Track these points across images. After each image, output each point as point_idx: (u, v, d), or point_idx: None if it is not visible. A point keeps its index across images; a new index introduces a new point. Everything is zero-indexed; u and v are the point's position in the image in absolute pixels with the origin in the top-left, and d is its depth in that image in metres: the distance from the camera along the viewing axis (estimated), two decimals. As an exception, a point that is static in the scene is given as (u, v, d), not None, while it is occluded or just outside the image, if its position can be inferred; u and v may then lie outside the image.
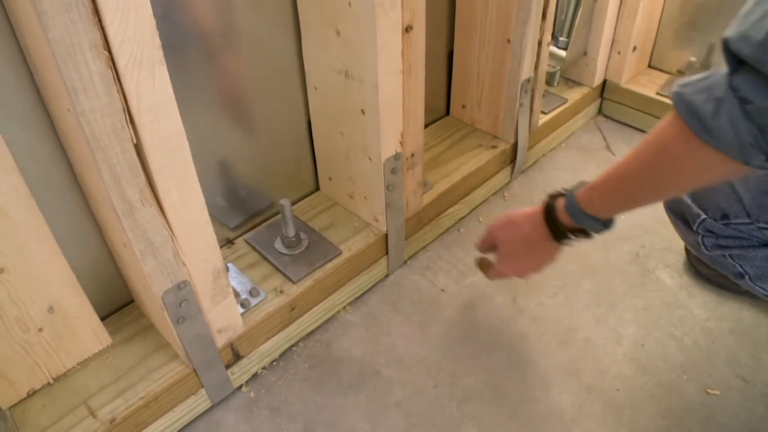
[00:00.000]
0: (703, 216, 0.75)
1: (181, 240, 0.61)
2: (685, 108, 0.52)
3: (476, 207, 1.10)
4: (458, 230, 1.06)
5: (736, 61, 0.47)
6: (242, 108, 0.83)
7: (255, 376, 0.81)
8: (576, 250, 1.00)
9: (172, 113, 0.54)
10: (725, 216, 0.73)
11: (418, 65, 0.78)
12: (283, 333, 0.82)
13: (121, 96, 0.50)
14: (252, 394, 0.79)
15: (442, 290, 0.94)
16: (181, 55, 0.71)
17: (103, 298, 0.77)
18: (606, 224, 0.69)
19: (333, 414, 0.77)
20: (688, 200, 0.78)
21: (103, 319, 0.78)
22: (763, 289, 0.76)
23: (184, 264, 0.63)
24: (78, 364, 0.73)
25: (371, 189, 0.87)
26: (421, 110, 0.84)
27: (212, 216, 0.86)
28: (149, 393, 0.69)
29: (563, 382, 0.81)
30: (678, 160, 0.55)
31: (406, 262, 0.99)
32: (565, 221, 0.70)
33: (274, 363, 0.83)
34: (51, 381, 0.71)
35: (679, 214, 0.82)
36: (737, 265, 0.76)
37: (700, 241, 0.78)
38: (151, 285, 0.61)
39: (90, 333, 0.73)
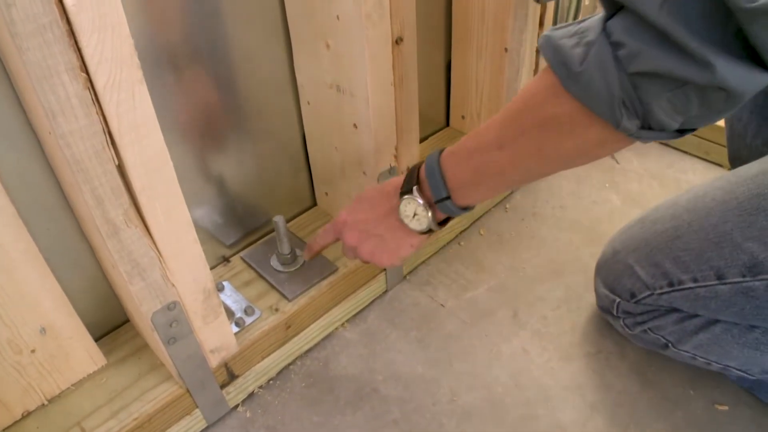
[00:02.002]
0: (618, 300, 0.78)
1: (168, 260, 0.61)
2: (552, 52, 0.46)
3: (477, 219, 1.09)
4: (458, 243, 1.04)
5: (612, 5, 0.43)
6: (236, 123, 0.82)
7: (251, 395, 0.80)
8: (580, 261, 0.98)
9: (153, 132, 0.54)
10: (633, 295, 0.76)
11: (410, 77, 0.78)
12: (279, 351, 0.81)
13: (101, 118, 0.50)
14: (248, 414, 0.78)
15: (442, 305, 0.93)
16: (173, 73, 0.71)
17: (98, 317, 0.77)
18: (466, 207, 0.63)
19: (330, 434, 0.76)
20: (606, 291, 0.80)
21: (99, 339, 0.78)
22: (688, 352, 0.76)
23: (173, 284, 0.62)
24: (72, 385, 0.73)
25: (367, 203, 0.86)
26: (415, 123, 0.83)
27: (208, 233, 0.86)
28: (143, 414, 0.68)
29: (566, 398, 0.79)
30: (543, 117, 0.50)
31: (405, 277, 0.98)
32: (438, 218, 0.64)
33: (271, 382, 0.82)
34: (45, 402, 0.71)
35: (604, 308, 0.83)
36: (658, 336, 0.77)
37: (622, 324, 0.80)
38: (139, 306, 0.61)
39: (84, 354, 0.72)
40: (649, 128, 0.46)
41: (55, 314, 0.67)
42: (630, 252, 0.76)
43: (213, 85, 0.77)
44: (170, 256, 0.61)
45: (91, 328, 0.76)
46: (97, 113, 0.50)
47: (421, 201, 0.62)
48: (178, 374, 0.69)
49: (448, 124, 1.20)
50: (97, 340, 0.77)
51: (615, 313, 0.80)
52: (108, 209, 0.54)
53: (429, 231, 0.65)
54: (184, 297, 0.64)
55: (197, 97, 0.75)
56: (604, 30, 0.44)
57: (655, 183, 1.14)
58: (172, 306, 0.63)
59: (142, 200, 0.56)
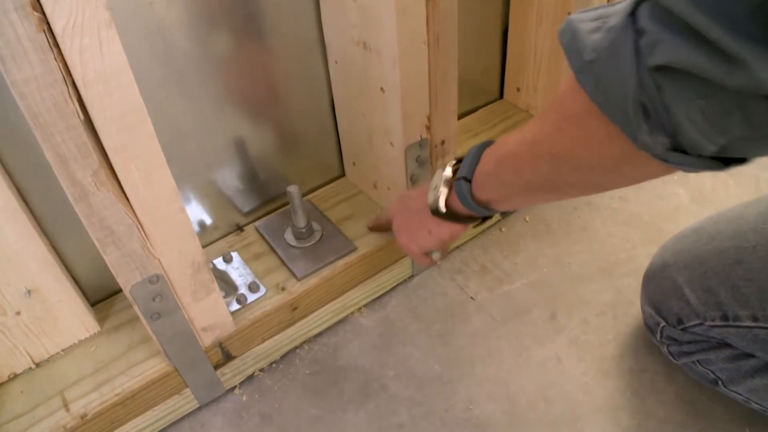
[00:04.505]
0: (663, 323, 0.67)
1: (149, 229, 0.54)
2: (569, 37, 0.37)
3: (524, 204, 0.97)
4: (500, 230, 0.94)
5: None
6: (262, 83, 0.75)
7: (251, 378, 0.74)
8: (635, 261, 0.86)
9: (127, 85, 0.47)
10: (680, 321, 0.65)
11: (448, 37, 0.67)
12: (283, 334, 0.74)
13: (60, 65, 0.43)
14: (244, 398, 0.73)
15: (472, 298, 0.83)
16: (197, 27, 0.65)
17: (96, 282, 0.73)
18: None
19: (327, 430, 0.69)
20: (651, 310, 0.69)
21: (95, 303, 0.74)
22: (740, 395, 0.64)
23: (155, 256, 0.56)
24: (62, 350, 0.69)
25: (394, 179, 0.77)
26: (452, 89, 0.73)
27: (224, 198, 0.80)
28: (126, 389, 0.64)
29: (597, 420, 0.68)
30: (561, 116, 0.41)
31: (445, 257, 0.88)
32: (455, 206, 0.57)
33: (274, 365, 0.76)
34: (33, 366, 0.67)
35: (650, 328, 0.71)
36: (708, 371, 0.65)
37: (667, 350, 0.69)
38: (116, 277, 0.55)
39: (74, 319, 0.68)
40: (681, 150, 0.35)
41: (41, 277, 0.63)
42: (681, 269, 0.65)
43: (237, 40, 0.69)
44: (151, 224, 0.54)
45: (89, 292, 0.73)
46: (55, 60, 0.43)
47: (446, 172, 0.56)
48: (164, 351, 0.63)
49: (501, 96, 1.08)
50: (95, 304, 0.74)
51: (658, 337, 0.68)
52: (73, 169, 0.47)
53: (437, 212, 0.57)
54: (169, 270, 0.58)
55: (221, 53, 0.68)
56: (633, 14, 0.33)
57: (730, 180, 0.98)
58: (155, 279, 0.57)
59: (116, 161, 0.49)
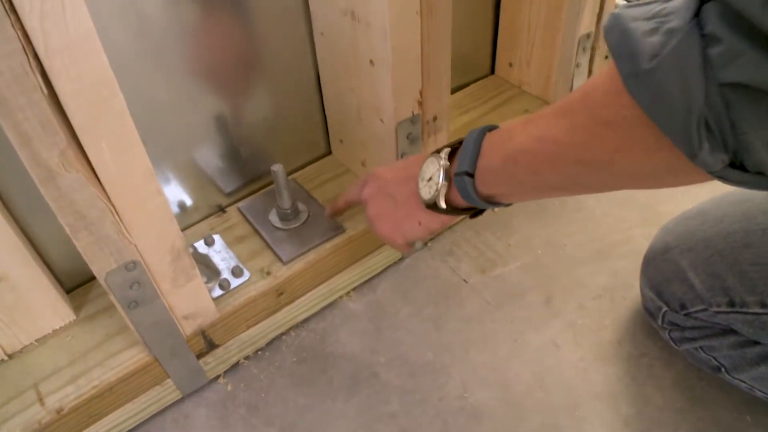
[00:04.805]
0: (665, 308, 0.65)
1: (124, 213, 0.50)
2: (618, 36, 0.34)
3: (517, 183, 0.94)
4: (492, 210, 0.91)
5: None
6: (244, 55, 0.70)
7: (235, 366, 0.71)
8: (632, 242, 0.84)
9: (94, 55, 0.42)
10: (683, 306, 0.62)
11: (442, 6, 0.63)
12: (269, 321, 0.71)
13: (20, 33, 0.39)
14: (229, 387, 0.69)
15: (465, 281, 0.81)
16: None
17: (71, 267, 0.69)
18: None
19: (316, 420, 0.66)
20: (652, 293, 0.66)
21: (70, 290, 0.70)
22: (744, 382, 0.62)
23: (131, 242, 0.52)
24: (36, 341, 0.65)
25: (385, 156, 0.74)
26: (446, 63, 0.69)
27: (205, 177, 0.76)
28: (103, 382, 0.60)
29: (596, 409, 0.66)
30: (596, 121, 0.37)
31: (426, 244, 0.86)
32: (456, 201, 0.52)
33: (259, 353, 0.73)
34: (5, 358, 0.64)
35: (650, 312, 0.69)
36: (711, 357, 0.63)
37: (668, 336, 0.67)
38: (89, 264, 0.51)
39: (48, 308, 0.64)
40: (741, 168, 0.32)
41: (10, 263, 0.59)
42: (684, 252, 0.62)
43: (217, 10, 0.64)
44: (126, 208, 0.50)
45: (64, 278, 0.69)
46: (12, 27, 0.38)
47: (443, 163, 0.51)
48: (143, 341, 0.60)
49: (493, 72, 1.04)
50: (70, 291, 0.70)
51: (660, 322, 0.66)
52: (39, 149, 0.43)
53: (434, 207, 0.52)
54: (147, 256, 0.54)
55: (199, 23, 0.64)
56: (697, 15, 0.30)
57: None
58: (131, 266, 0.53)
59: (85, 140, 0.45)
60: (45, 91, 0.41)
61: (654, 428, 0.65)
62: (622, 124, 0.35)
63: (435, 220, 0.56)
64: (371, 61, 0.65)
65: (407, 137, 0.70)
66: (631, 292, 0.78)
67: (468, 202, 0.51)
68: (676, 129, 0.32)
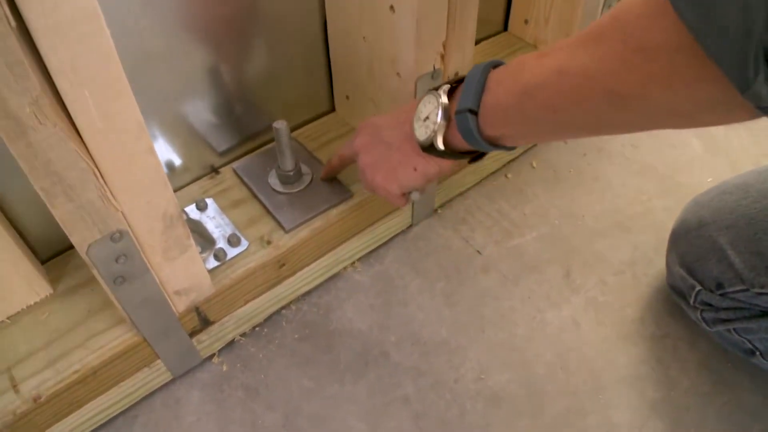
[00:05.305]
0: (698, 287, 0.60)
1: (110, 175, 0.43)
2: None
3: (529, 148, 0.88)
4: (505, 176, 0.85)
5: None
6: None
7: (231, 344, 0.65)
8: (652, 215, 0.79)
9: (74, -21, 0.34)
10: (720, 285, 0.58)
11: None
12: (268, 294, 0.64)
13: (-23, -59, 0.30)
14: (224, 368, 0.63)
15: (479, 252, 0.75)
16: None
17: (48, 234, 0.60)
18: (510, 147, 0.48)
19: (322, 405, 0.61)
20: (683, 272, 0.61)
21: (46, 261, 0.62)
22: None
23: (117, 208, 0.44)
24: (8, 319, 0.57)
25: (398, 117, 0.66)
26: (473, 13, 0.61)
27: (196, 135, 0.68)
28: (86, 366, 0.53)
29: (621, 393, 0.62)
30: (633, 45, 0.33)
31: (436, 210, 0.79)
32: (455, 143, 0.48)
33: (257, 329, 0.66)
34: (-29, 337, 0.56)
35: (678, 290, 0.64)
36: (745, 340, 0.59)
37: (699, 316, 0.62)
38: (68, 236, 0.44)
39: (20, 281, 0.56)
40: None
41: (-28, 229, 0.51)
42: (723, 229, 0.58)
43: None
44: (112, 169, 0.42)
45: (39, 247, 0.61)
46: (-33, -68, 0.30)
47: (442, 101, 0.47)
48: (130, 320, 0.53)
49: (506, 29, 0.96)
50: (45, 262, 0.62)
51: (692, 301, 0.62)
52: (5, 97, 0.35)
53: (431, 149, 0.48)
54: (135, 225, 0.47)
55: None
56: None
57: (744, 132, 0.91)
58: (117, 236, 0.46)
59: (63, 86, 0.37)
60: (13, 23, 0.33)
61: (681, 414, 0.61)
62: (661, 51, 0.32)
63: (432, 165, 0.52)
64: (392, 7, 0.57)
65: (427, 94, 0.62)
66: (652, 268, 0.73)
67: (469, 143, 0.46)
68: (728, 56, 0.28)
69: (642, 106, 0.35)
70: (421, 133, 0.49)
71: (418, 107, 0.50)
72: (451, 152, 0.49)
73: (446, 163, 0.52)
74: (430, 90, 0.48)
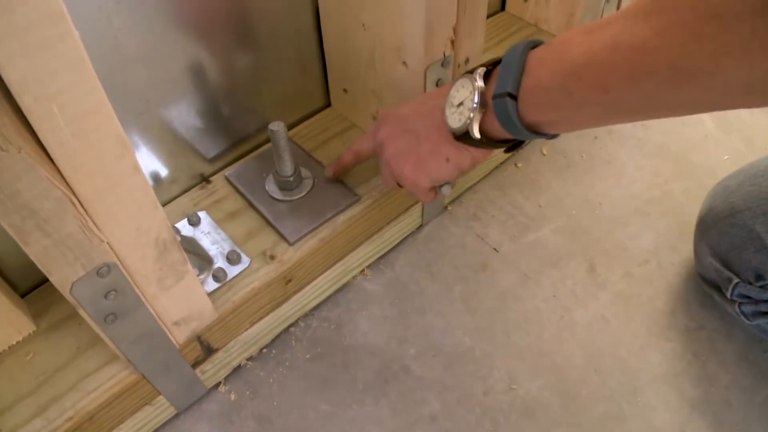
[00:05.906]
0: (736, 280, 0.56)
1: (90, 202, 0.37)
2: None
3: (539, 133, 0.83)
4: (515, 165, 0.80)
5: None
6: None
7: (237, 369, 0.59)
8: (670, 198, 0.74)
9: (32, -26, 0.28)
10: (760, 277, 0.54)
11: None
12: (275, 313, 0.59)
13: None
14: (233, 396, 0.58)
15: (495, 249, 0.70)
16: None
17: (27, 263, 0.54)
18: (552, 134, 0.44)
19: (342, 430, 0.56)
20: (717, 263, 0.57)
21: (27, 293, 0.56)
22: None
23: (102, 239, 0.39)
24: (-14, 361, 0.51)
25: (403, 109, 0.61)
26: (484, -7, 0.56)
27: (182, 142, 0.61)
28: (80, 411, 0.47)
29: (659, 392, 0.58)
30: (706, 13, 0.29)
31: (446, 207, 0.74)
32: (492, 130, 0.44)
33: (264, 351, 0.61)
34: (-53, 383, 0.50)
35: (711, 282, 0.60)
36: None
37: (737, 310, 0.58)
38: (48, 275, 0.38)
39: (1, 319, 0.50)
40: None
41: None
42: (759, 216, 0.54)
43: None
44: (93, 195, 0.37)
45: (18, 278, 0.55)
46: None
47: (478, 84, 0.42)
48: (127, 359, 0.47)
49: (503, 8, 0.90)
50: (26, 294, 0.56)
51: (729, 295, 0.57)
52: (-44, 119, 0.29)
53: (465, 138, 0.44)
54: (124, 256, 0.41)
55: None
56: None
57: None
58: (105, 271, 0.40)
59: (26, 102, 0.31)
60: (-43, 29, 0.27)
61: (723, 410, 0.57)
62: (741, 17, 0.28)
63: (465, 156, 0.48)
64: (396, -12, 0.51)
65: (436, 84, 0.57)
66: (677, 256, 0.69)
67: (507, 130, 0.42)
68: None
69: (710, 83, 0.31)
70: (455, 121, 0.44)
71: (449, 93, 0.45)
72: (487, 141, 0.44)
73: (480, 153, 0.48)
74: (465, 73, 0.44)
